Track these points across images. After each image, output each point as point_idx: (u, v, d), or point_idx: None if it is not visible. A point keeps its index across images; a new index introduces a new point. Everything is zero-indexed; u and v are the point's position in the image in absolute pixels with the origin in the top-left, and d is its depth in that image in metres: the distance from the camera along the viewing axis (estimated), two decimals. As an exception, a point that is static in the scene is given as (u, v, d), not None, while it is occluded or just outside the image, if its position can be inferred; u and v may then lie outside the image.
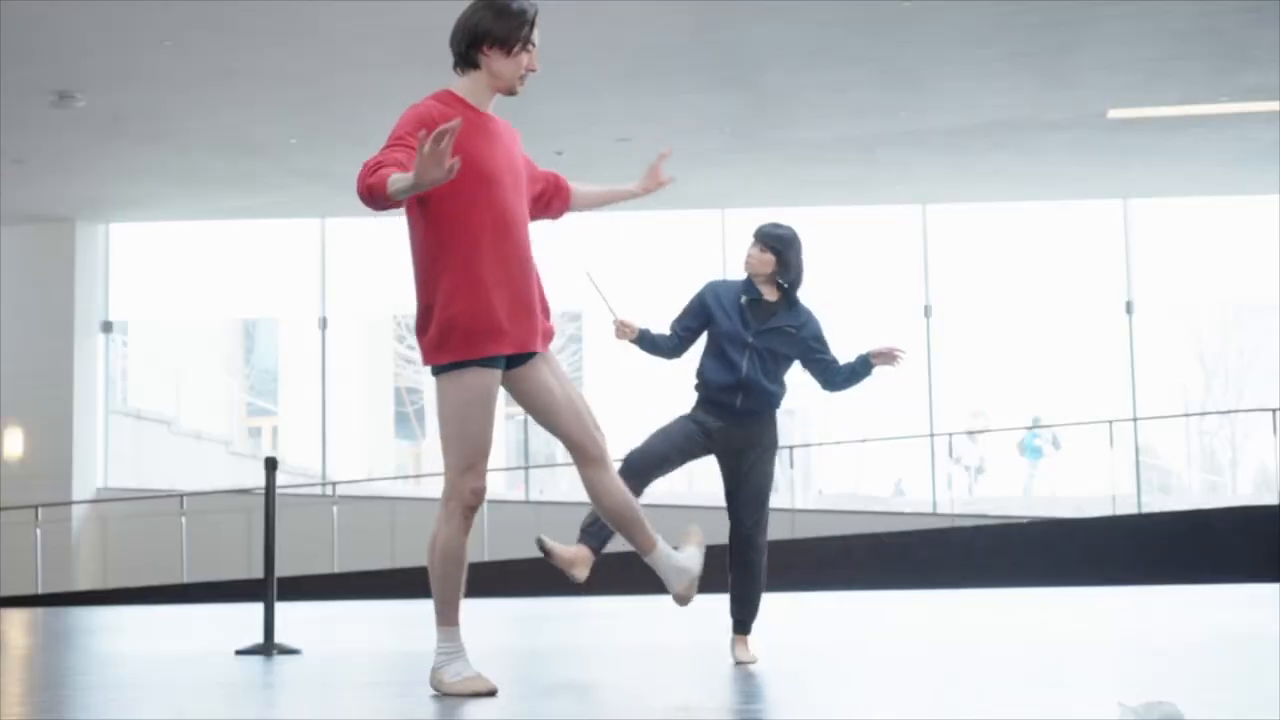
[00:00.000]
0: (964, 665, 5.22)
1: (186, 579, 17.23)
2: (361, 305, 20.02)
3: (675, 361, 6.39)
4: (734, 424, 6.10)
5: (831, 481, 21.61)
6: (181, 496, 17.90)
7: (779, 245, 6.18)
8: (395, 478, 22.55)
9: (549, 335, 4.87)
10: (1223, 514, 16.40)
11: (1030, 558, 15.23)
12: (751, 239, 6.29)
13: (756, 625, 6.13)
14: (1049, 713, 4.10)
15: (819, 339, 6.24)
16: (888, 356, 6.22)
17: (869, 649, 7.11)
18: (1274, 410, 16.80)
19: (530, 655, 7.21)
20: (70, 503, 18.14)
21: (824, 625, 9.32)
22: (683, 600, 5.07)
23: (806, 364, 6.26)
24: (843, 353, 6.29)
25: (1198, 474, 23.12)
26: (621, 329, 6.13)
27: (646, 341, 6.23)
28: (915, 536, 16.27)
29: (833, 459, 21.17)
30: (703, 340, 6.25)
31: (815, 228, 18.97)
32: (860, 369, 6.26)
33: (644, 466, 5.99)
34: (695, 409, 6.20)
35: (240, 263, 19.31)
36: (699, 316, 6.22)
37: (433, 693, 4.73)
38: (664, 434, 6.11)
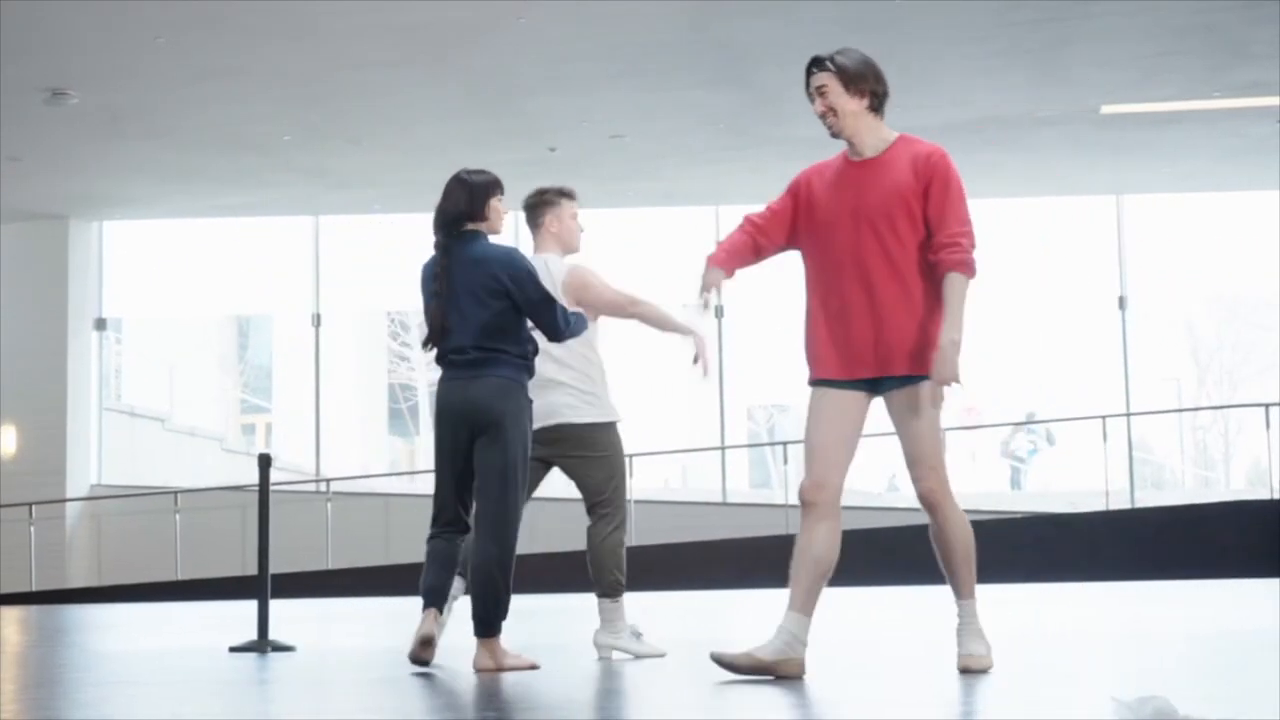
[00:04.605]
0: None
1: (180, 576, 17.23)
2: (355, 302, 20.02)
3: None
4: None
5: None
6: (175, 493, 17.90)
7: None
8: (389, 474, 22.52)
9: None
10: (1216, 509, 16.40)
11: (1023, 553, 15.22)
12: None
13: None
14: (1042, 708, 4.10)
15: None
16: None
17: (863, 646, 7.13)
18: (1267, 405, 16.81)
19: (526, 651, 7.21)
20: (64, 500, 18.13)
21: (819, 622, 9.32)
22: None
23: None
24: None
25: (1191, 469, 23.14)
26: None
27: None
28: (909, 532, 16.26)
29: (827, 455, 21.14)
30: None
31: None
32: None
33: None
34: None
35: (234, 260, 19.30)
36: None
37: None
38: None
